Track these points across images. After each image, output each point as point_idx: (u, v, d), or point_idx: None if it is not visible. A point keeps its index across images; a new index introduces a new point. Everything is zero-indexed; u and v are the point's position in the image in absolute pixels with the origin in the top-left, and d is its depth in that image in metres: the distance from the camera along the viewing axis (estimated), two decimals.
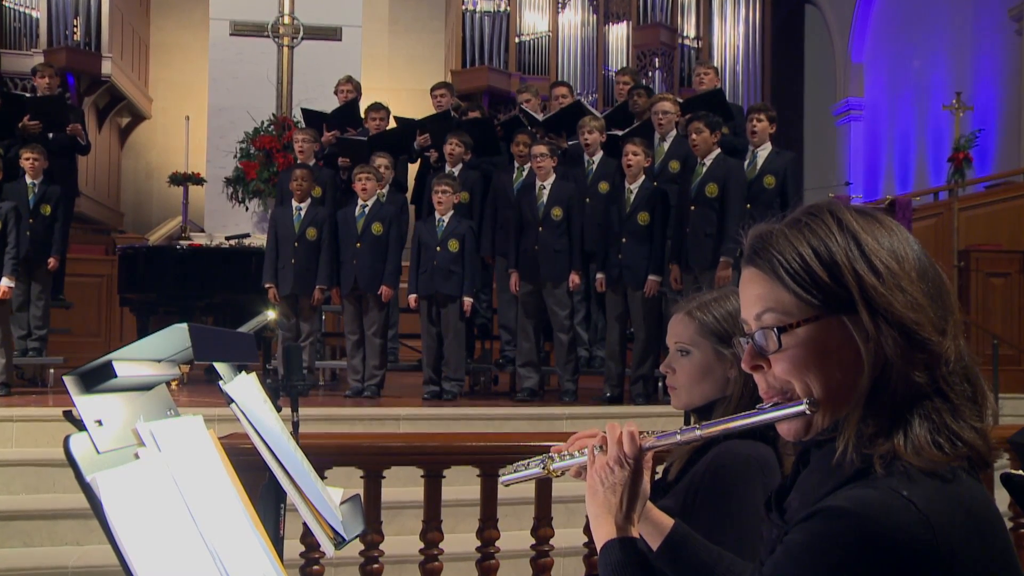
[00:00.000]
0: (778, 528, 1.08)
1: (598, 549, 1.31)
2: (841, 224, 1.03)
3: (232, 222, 10.16)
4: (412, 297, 6.36)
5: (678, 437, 1.26)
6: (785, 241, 1.04)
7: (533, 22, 12.87)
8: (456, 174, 6.86)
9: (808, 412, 1.03)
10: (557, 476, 1.40)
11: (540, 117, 7.42)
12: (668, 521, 1.49)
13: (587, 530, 2.83)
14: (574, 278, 6.21)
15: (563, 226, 6.26)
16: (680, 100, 7.09)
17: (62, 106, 7.73)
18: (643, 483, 1.33)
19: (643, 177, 6.11)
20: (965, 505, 0.95)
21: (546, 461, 1.40)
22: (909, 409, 0.99)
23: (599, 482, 1.31)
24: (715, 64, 10.87)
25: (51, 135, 7.57)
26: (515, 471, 1.44)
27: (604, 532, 1.30)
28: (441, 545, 2.97)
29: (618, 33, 13.02)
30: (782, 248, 1.04)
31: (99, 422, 1.16)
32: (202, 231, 10.55)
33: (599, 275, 6.23)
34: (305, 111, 8.32)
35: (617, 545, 1.29)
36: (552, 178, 6.35)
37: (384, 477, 2.91)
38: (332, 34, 11.26)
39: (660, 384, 6.07)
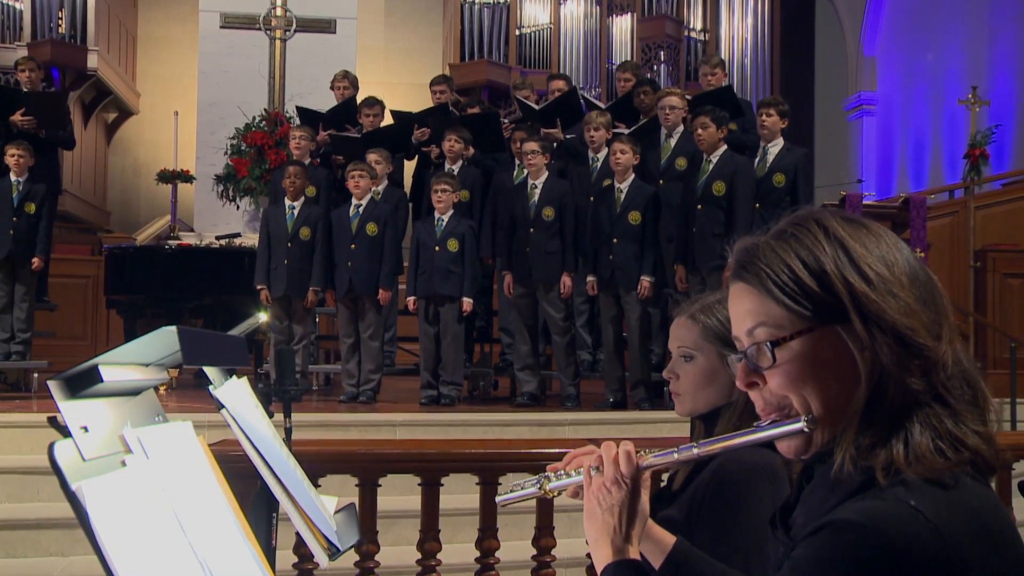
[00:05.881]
0: (784, 545, 1.08)
1: (598, 573, 1.29)
2: (828, 232, 1.03)
3: (223, 221, 10.16)
4: (411, 300, 6.24)
5: (675, 456, 1.25)
6: (772, 253, 1.05)
7: (534, 14, 12.72)
8: (456, 171, 6.72)
9: (807, 430, 1.03)
10: (554, 496, 1.40)
11: (536, 108, 7.27)
12: (670, 539, 1.45)
13: None
14: (566, 281, 6.06)
15: (555, 227, 6.12)
16: (689, 97, 6.91)
17: (60, 104, 7.50)
18: (642, 503, 1.31)
19: (632, 176, 5.99)
20: (974, 511, 0.95)
21: (542, 481, 1.39)
22: (908, 417, 0.99)
23: (596, 504, 1.30)
24: (722, 57, 10.67)
25: (43, 133, 7.36)
26: (511, 491, 1.43)
27: (603, 555, 1.29)
28: (439, 555, 2.95)
29: (622, 25, 12.88)
30: (769, 260, 1.04)
31: (85, 428, 1.15)
32: (191, 230, 10.57)
33: (590, 278, 6.11)
34: (300, 110, 8.15)
35: (615, 569, 1.26)
36: (544, 176, 6.21)
37: (380, 485, 2.90)
38: (326, 26, 11.25)
39: (665, 388, 5.87)
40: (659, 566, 1.45)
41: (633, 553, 1.28)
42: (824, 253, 1.02)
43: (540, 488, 1.39)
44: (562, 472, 1.38)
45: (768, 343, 1.03)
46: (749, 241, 1.09)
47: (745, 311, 1.07)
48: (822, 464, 1.07)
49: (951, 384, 1.00)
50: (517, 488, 1.42)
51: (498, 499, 1.48)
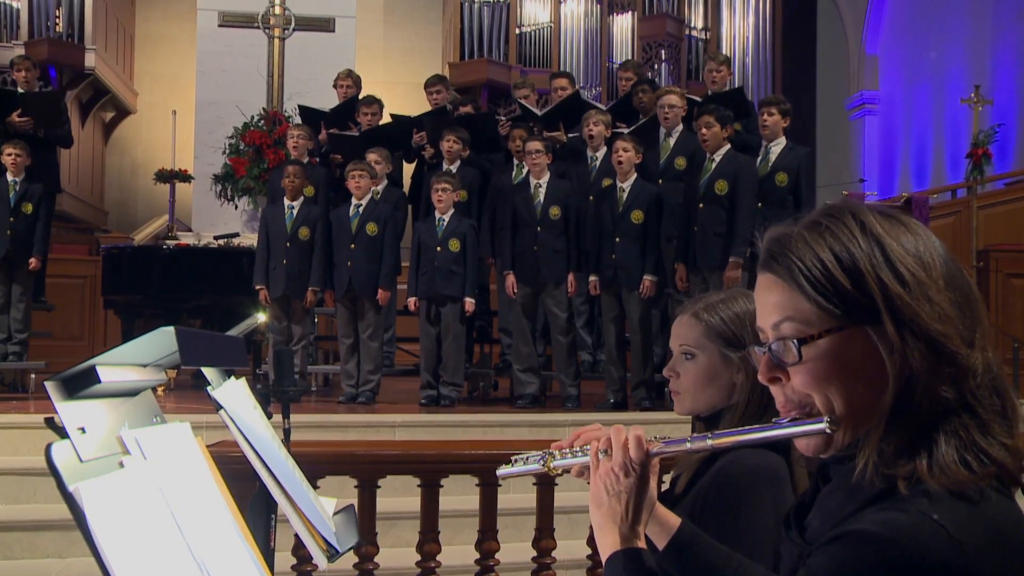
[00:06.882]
0: (798, 547, 1.05)
1: (603, 561, 1.26)
2: (864, 227, 0.99)
3: (221, 221, 10.13)
4: (412, 300, 6.21)
5: (688, 445, 1.21)
6: (804, 246, 1.00)
7: (534, 12, 12.67)
8: (454, 171, 6.68)
9: (829, 431, 0.99)
10: (557, 474, 1.37)
11: (539, 112, 7.24)
12: (675, 520, 1.43)
13: (590, 542, 2.80)
14: (572, 280, 6.06)
15: (561, 225, 6.12)
16: (699, 99, 6.87)
17: (57, 103, 7.48)
18: (650, 490, 1.28)
19: (635, 175, 5.97)
20: (998, 527, 0.92)
21: (546, 458, 1.36)
22: (934, 426, 0.95)
23: (604, 490, 1.26)
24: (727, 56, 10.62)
25: (41, 133, 7.31)
26: (512, 464, 1.40)
27: (609, 543, 1.25)
28: (439, 557, 2.94)
29: (623, 24, 12.84)
30: (801, 253, 1.00)
31: (82, 429, 1.15)
32: (190, 230, 10.53)
33: (592, 277, 6.09)
34: (302, 108, 8.10)
35: (622, 557, 1.24)
36: (547, 176, 6.20)
37: (379, 487, 2.89)
38: (325, 25, 11.21)
39: (666, 389, 5.84)
40: (663, 547, 1.43)
41: (639, 542, 1.26)
42: (859, 249, 0.98)
43: (544, 465, 1.36)
44: (567, 451, 1.35)
45: (795, 340, 0.99)
46: (781, 231, 1.04)
47: (772, 304, 1.03)
48: (840, 465, 1.04)
49: (980, 393, 0.96)
50: (520, 462, 1.39)
51: (499, 472, 1.44)
